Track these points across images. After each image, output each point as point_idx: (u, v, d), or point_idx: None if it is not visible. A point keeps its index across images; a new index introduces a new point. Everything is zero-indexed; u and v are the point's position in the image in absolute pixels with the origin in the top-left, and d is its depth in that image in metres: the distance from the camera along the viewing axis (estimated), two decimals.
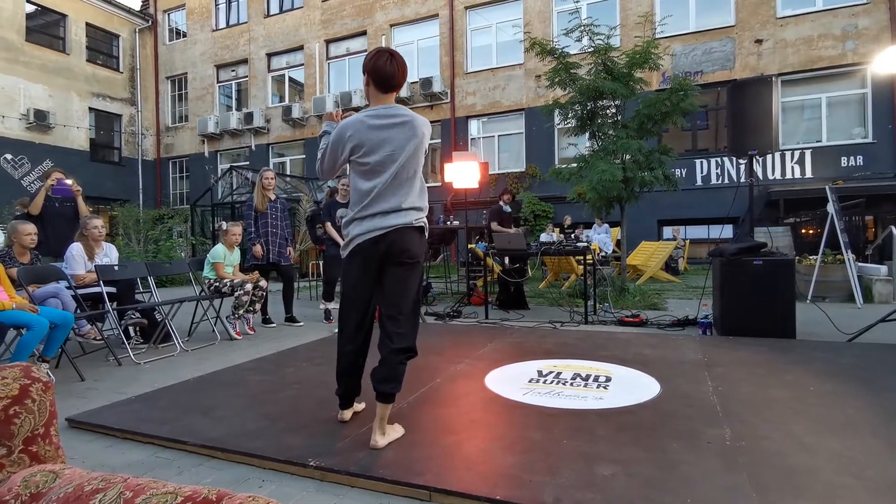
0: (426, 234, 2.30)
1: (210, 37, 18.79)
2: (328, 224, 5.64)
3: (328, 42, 16.93)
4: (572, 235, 6.20)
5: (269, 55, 17.89)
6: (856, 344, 3.83)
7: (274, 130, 17.63)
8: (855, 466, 1.88)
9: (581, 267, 5.93)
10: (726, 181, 12.06)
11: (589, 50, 6.33)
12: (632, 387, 2.89)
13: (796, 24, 11.68)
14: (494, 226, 7.16)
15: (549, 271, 8.54)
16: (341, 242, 5.44)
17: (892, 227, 6.03)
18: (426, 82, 14.60)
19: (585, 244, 5.51)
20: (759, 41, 11.88)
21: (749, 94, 4.19)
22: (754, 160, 4.37)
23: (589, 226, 11.39)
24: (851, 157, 11.32)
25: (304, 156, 17.50)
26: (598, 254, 9.89)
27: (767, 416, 2.43)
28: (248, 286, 4.75)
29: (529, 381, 3.03)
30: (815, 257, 6.33)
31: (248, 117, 17.45)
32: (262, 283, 4.98)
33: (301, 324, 5.45)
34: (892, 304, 5.82)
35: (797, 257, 6.94)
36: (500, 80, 14.46)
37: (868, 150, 11.20)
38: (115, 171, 18.49)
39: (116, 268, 4.26)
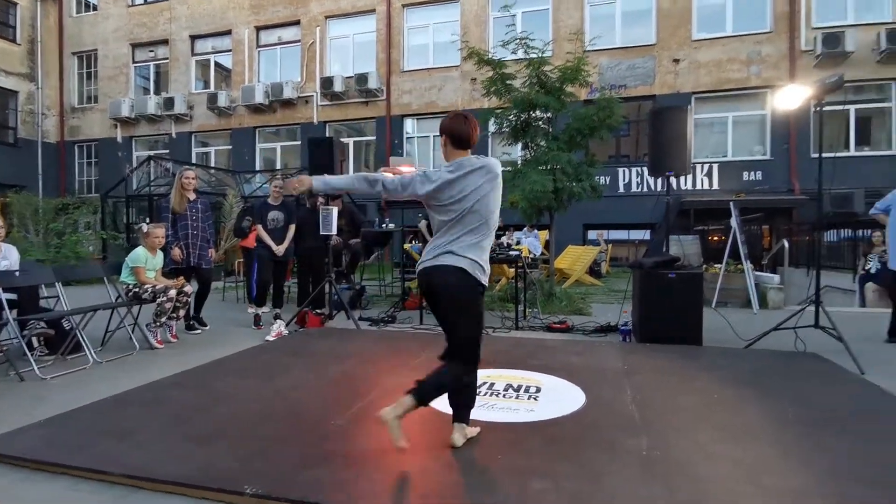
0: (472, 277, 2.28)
1: (125, 12, 17.38)
2: (259, 227, 5.45)
3: (259, 29, 16.21)
4: (505, 243, 6.38)
5: (193, 37, 16.86)
6: (752, 350, 4.27)
7: (197, 118, 16.65)
8: (753, 474, 2.11)
9: (512, 270, 6.14)
10: (645, 190, 12.87)
11: (523, 62, 6.53)
12: (560, 397, 3.05)
13: (709, 46, 12.68)
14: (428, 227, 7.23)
15: None
16: (273, 246, 5.26)
17: (784, 241, 6.75)
18: (361, 78, 14.39)
19: (517, 252, 5.70)
20: (676, 61, 12.78)
21: (667, 120, 4.55)
22: (670, 180, 4.73)
23: (519, 227, 11.75)
24: (752, 172, 12.48)
25: (230, 146, 16.67)
26: (528, 257, 10.27)
27: (678, 424, 2.67)
28: (172, 292, 4.49)
29: None
30: (719, 266, 6.95)
31: (169, 102, 16.36)
32: (188, 288, 4.73)
33: (207, 327, 5.24)
34: (783, 309, 6.51)
35: (704, 265, 7.58)
36: (436, 81, 14.53)
37: (766, 166, 12.40)
38: (10, 153, 16.70)
39: (17, 273, 3.88)
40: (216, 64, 17.01)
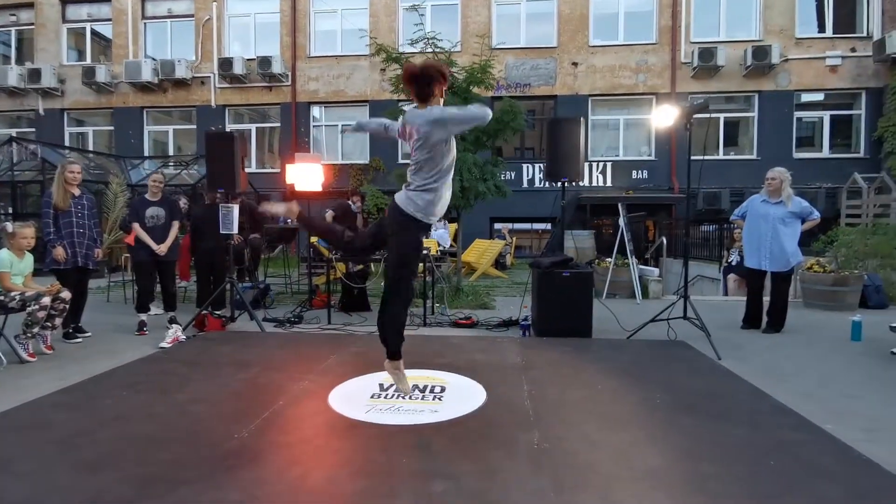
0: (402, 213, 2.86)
1: None
2: (136, 225, 5.03)
3: None
4: None
5: (64, 2, 14.98)
6: (633, 341, 4.77)
7: (71, 94, 14.92)
8: (626, 457, 2.42)
9: (420, 265, 6.27)
10: (548, 186, 13.62)
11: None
12: (463, 396, 3.24)
13: (604, 53, 13.61)
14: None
15: None
16: (153, 245, 4.93)
17: (663, 238, 7.53)
18: (264, 61, 13.70)
19: (426, 251, 5.84)
20: (575, 64, 13.59)
21: (564, 131, 4.90)
22: (565, 185, 5.11)
23: None
24: (639, 171, 13.67)
25: (111, 127, 15.17)
26: (438, 250, 10.50)
27: (566, 416, 2.95)
28: (46, 300, 4.08)
29: (372, 397, 3.20)
30: (610, 259, 7.60)
31: (35, 74, 14.49)
32: (64, 293, 4.30)
33: (89, 334, 4.85)
34: (661, 299, 7.30)
35: (597, 259, 8.26)
36: (344, 69, 14.21)
37: (652, 165, 13.64)
38: None
39: None
40: (93, 33, 15.29)
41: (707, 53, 12.75)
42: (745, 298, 5.65)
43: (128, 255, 6.94)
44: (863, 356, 4.30)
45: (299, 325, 5.46)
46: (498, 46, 11.88)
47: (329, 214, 7.56)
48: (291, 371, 3.77)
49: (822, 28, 13.34)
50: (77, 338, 4.73)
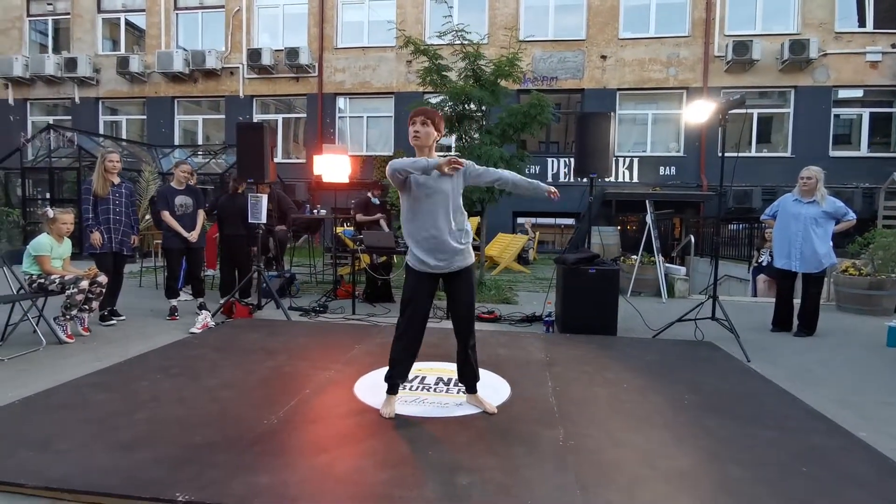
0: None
1: None
2: (165, 213, 5.15)
3: None
4: None
5: None
6: (658, 340, 4.71)
7: (105, 83, 15.29)
8: (651, 457, 2.40)
9: None
10: (573, 180, 13.47)
11: (459, 55, 6.61)
12: (487, 390, 3.23)
13: (633, 46, 13.34)
14: (360, 217, 7.20)
15: None
16: (184, 233, 5.06)
17: (691, 237, 7.39)
18: (292, 52, 13.81)
19: None
20: (603, 57, 13.35)
21: (592, 126, 4.83)
22: (594, 180, 5.05)
23: None
24: (667, 167, 13.41)
25: (143, 117, 15.52)
26: None
27: (591, 413, 2.94)
28: (84, 283, 4.22)
29: None
30: (635, 257, 7.50)
31: (71, 63, 14.87)
32: (101, 277, 4.45)
33: (123, 318, 4.99)
34: (687, 298, 7.18)
35: (622, 256, 8.15)
36: (370, 61, 14.24)
37: (680, 162, 13.37)
38: None
39: None
40: (127, 23, 15.63)
41: (742, 47, 12.39)
42: (774, 300, 5.52)
43: (158, 241, 7.15)
44: None
45: (324, 314, 5.54)
46: (525, 39, 11.78)
47: (360, 216, 7.50)
48: (317, 360, 3.83)
49: (862, 22, 12.82)
50: (112, 321, 4.89)
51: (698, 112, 4.79)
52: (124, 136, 15.24)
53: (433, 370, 3.62)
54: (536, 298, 6.70)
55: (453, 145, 7.18)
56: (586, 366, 3.85)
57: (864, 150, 13.00)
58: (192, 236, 5.19)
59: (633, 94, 13.65)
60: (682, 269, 7.65)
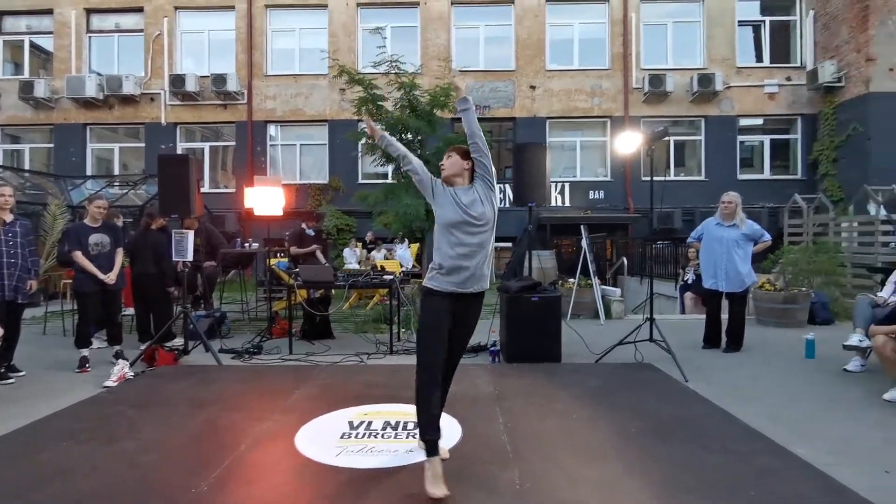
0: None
1: None
2: (78, 253, 4.67)
3: (90, 11, 14.18)
4: (375, 266, 6.35)
5: (1, 13, 14.16)
6: (602, 364, 4.79)
7: (6, 108, 14.06)
8: (607, 493, 2.37)
9: (384, 289, 6.14)
10: (508, 205, 13.76)
11: (394, 85, 6.60)
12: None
13: (560, 77, 14.00)
14: (294, 249, 6.92)
15: (353, 292, 8.59)
16: (99, 275, 4.61)
17: (624, 259, 7.69)
18: (219, 79, 13.32)
19: (391, 276, 5.71)
20: (532, 87, 13.90)
21: (528, 156, 4.94)
22: (532, 209, 5.13)
23: (391, 241, 11.81)
24: (596, 192, 14.03)
25: (50, 145, 14.32)
26: (401, 270, 10.37)
27: (544, 450, 2.88)
28: None
29: (342, 437, 3.03)
30: (573, 280, 7.68)
31: None
32: None
33: (22, 374, 4.44)
34: (624, 319, 7.42)
35: (560, 280, 8.33)
36: (302, 88, 14.00)
37: (608, 186, 14.03)
38: None
39: None
40: (33, 45, 14.49)
41: (657, 80, 13.33)
42: (702, 316, 5.80)
43: (67, 282, 6.47)
44: (819, 374, 4.47)
45: (259, 355, 5.20)
46: (458, 69, 12.05)
47: (294, 249, 7.18)
48: (253, 409, 3.55)
49: (759, 58, 14.22)
50: (10, 379, 4.31)
51: (626, 143, 5.03)
52: (27, 167, 13.96)
53: (380, 413, 3.44)
54: (481, 326, 6.65)
55: (390, 175, 7.11)
56: (535, 397, 3.81)
57: (767, 174, 14.25)
58: (110, 278, 4.73)
59: (561, 122, 14.26)
60: (617, 291, 7.92)
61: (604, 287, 7.92)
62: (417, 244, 9.69)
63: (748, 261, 5.26)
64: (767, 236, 5.33)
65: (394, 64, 6.59)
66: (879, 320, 3.94)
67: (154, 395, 3.90)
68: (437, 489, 2.29)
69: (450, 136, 6.86)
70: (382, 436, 3.06)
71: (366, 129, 2.79)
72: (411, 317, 6.46)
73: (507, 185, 13.67)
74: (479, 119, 2.75)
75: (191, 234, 4.99)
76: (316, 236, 7.16)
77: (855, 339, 4.43)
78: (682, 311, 8.57)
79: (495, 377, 4.35)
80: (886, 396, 3.71)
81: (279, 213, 6.04)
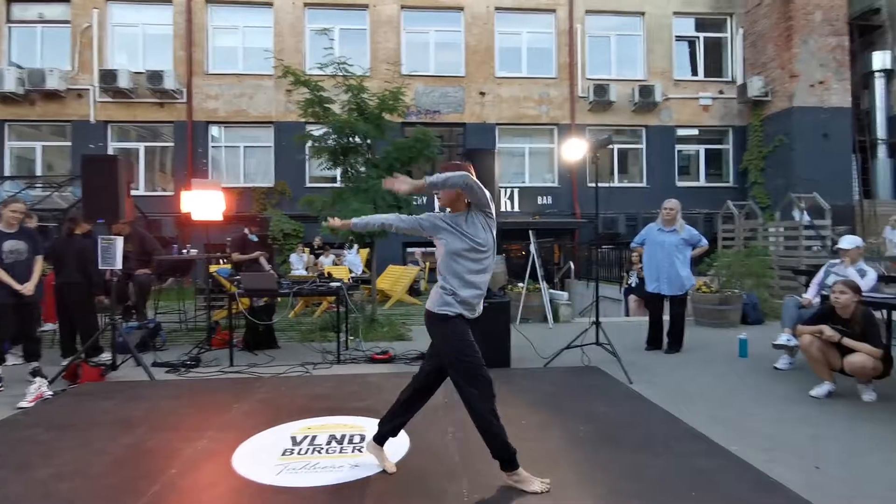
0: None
1: None
2: None
3: (10, 0, 13.13)
4: (323, 272, 6.17)
5: None
6: (550, 368, 4.84)
7: None
8: (553, 502, 2.35)
9: (332, 296, 5.97)
10: None
11: (342, 88, 6.46)
12: (385, 445, 3.01)
13: (509, 84, 14.21)
14: (237, 256, 6.63)
15: (299, 300, 8.33)
16: (15, 285, 4.19)
17: (571, 263, 7.85)
18: (155, 76, 12.64)
19: (338, 283, 5.55)
20: (482, 93, 14.04)
21: (478, 162, 4.88)
22: None
23: (339, 246, 11.57)
24: (544, 197, 14.31)
25: None
26: (350, 277, 10.16)
27: (493, 459, 2.84)
28: None
29: (283, 454, 2.88)
30: (522, 284, 7.77)
31: None
32: None
33: None
34: (572, 322, 7.56)
35: (509, 284, 8.41)
36: (247, 88, 13.52)
37: (555, 192, 14.35)
38: None
39: None
40: None
41: (601, 89, 13.78)
42: (646, 318, 5.99)
43: None
44: (752, 373, 4.69)
45: (196, 368, 4.91)
46: (408, 73, 12.01)
47: (237, 255, 6.85)
48: (187, 428, 3.32)
49: (695, 72, 14.99)
50: None
51: (573, 150, 5.13)
52: None
53: (325, 427, 3.31)
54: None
55: (338, 179, 6.93)
56: None
57: (702, 181, 15.01)
58: (27, 289, 4.33)
59: (510, 129, 14.48)
60: (565, 295, 8.08)
61: (552, 291, 8.05)
62: (368, 249, 9.52)
63: (688, 265, 5.47)
64: (704, 241, 5.57)
65: (341, 66, 6.44)
66: (805, 320, 4.18)
67: (75, 415, 3.59)
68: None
69: (399, 141, 6.76)
70: (327, 451, 2.94)
71: (330, 223, 2.82)
72: (359, 324, 6.32)
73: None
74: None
75: (120, 241, 4.65)
76: (259, 242, 6.87)
77: (783, 338, 4.70)
78: (627, 314, 8.86)
79: (445, 385, 4.28)
80: (813, 393, 3.94)
81: (219, 217, 5.74)
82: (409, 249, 13.76)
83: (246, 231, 6.68)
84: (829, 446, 3.02)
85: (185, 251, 6.95)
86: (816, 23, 12.96)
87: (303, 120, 7.15)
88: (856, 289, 3.89)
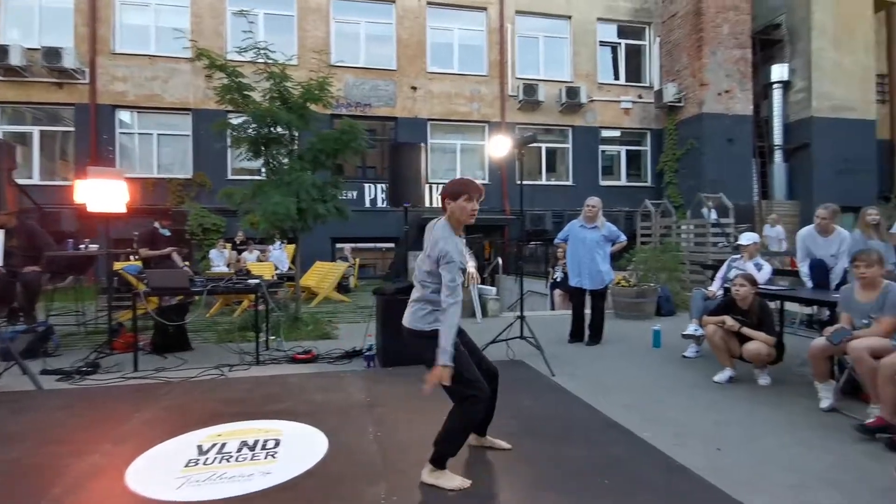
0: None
1: None
2: None
3: None
4: (244, 269, 5.84)
5: None
6: None
7: None
8: (474, 499, 2.33)
9: (252, 294, 5.67)
10: (389, 207, 13.63)
11: (263, 75, 6.13)
12: (301, 448, 2.87)
13: (441, 80, 14.20)
14: (145, 252, 6.14)
15: (218, 298, 7.86)
16: None
17: (499, 259, 7.96)
18: (52, 53, 11.46)
19: (257, 280, 5.27)
20: (414, 88, 13.94)
21: (404, 156, 4.85)
22: (407, 210, 5.06)
23: (262, 241, 11.06)
24: None
25: None
26: (274, 273, 9.73)
27: (416, 459, 2.75)
28: None
29: (187, 465, 2.66)
30: None
31: None
32: None
33: None
34: (500, 317, 7.67)
35: None
36: (160, 72, 12.59)
37: (486, 189, 14.44)
38: None
39: None
40: None
41: (530, 89, 14.10)
42: (570, 312, 6.18)
43: None
44: (665, 362, 4.95)
45: (94, 375, 4.47)
46: (337, 64, 11.65)
47: (145, 251, 6.35)
48: (77, 442, 2.99)
49: (617, 76, 15.73)
50: None
51: (498, 146, 5.17)
52: None
53: (237, 433, 3.10)
54: (358, 330, 6.43)
55: (262, 170, 6.58)
56: (409, 402, 3.72)
57: (623, 181, 15.80)
58: None
59: (442, 125, 14.48)
60: (493, 290, 8.18)
61: (481, 286, 8.12)
62: (294, 245, 9.14)
63: (608, 260, 5.69)
64: (623, 237, 5.82)
65: (262, 51, 6.11)
66: (710, 311, 4.47)
67: None
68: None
69: (325, 133, 6.52)
70: (237, 458, 2.75)
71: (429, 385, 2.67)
72: (281, 323, 6.04)
73: (383, 186, 13.56)
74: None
75: (0, 234, 4.13)
76: (172, 237, 6.40)
77: (691, 328, 5.00)
78: (553, 308, 9.12)
79: (368, 383, 4.18)
80: (716, 378, 4.21)
81: (121, 209, 5.25)
82: (339, 245, 13.43)
83: (156, 225, 6.20)
84: (731, 431, 3.22)
85: (82, 246, 6.32)
86: (724, 35, 13.99)
87: (224, 108, 6.72)
88: (753, 282, 4.20)
